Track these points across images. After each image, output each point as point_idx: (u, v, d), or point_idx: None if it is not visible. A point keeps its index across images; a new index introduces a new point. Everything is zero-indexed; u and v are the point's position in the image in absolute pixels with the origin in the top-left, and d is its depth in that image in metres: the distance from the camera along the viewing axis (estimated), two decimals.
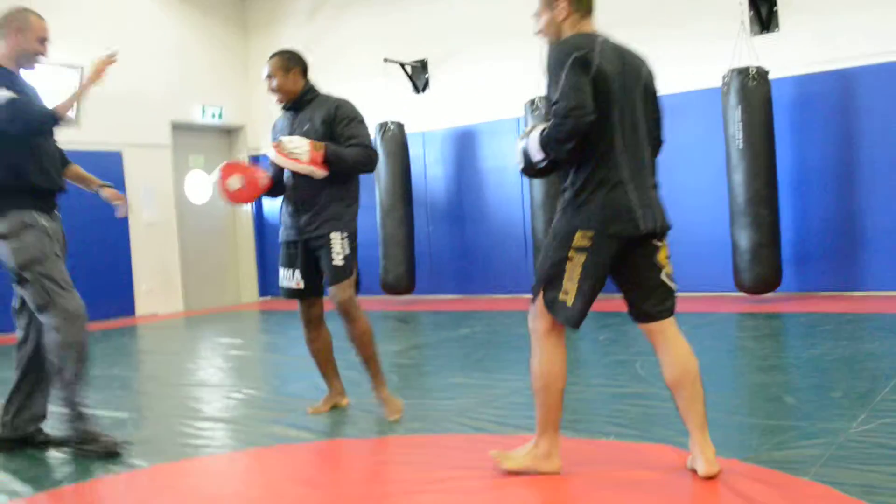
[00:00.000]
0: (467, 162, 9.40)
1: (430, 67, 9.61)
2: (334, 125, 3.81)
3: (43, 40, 3.52)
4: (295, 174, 3.82)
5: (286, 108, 3.96)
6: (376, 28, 9.94)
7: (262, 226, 11.09)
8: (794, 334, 5.79)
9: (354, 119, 3.84)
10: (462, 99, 9.35)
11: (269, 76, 3.89)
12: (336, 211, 3.80)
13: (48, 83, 8.98)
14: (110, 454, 3.38)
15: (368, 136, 3.86)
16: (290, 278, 3.94)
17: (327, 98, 3.92)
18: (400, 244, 8.95)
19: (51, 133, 3.56)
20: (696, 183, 7.86)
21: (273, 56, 3.94)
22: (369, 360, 3.87)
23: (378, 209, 9.02)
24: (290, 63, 3.89)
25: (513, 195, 8.99)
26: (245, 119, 10.88)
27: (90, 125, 9.15)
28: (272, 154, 3.75)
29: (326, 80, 9.55)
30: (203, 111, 10.46)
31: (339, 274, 3.77)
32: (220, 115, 10.71)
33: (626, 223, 2.65)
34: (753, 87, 6.90)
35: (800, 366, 4.53)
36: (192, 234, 10.43)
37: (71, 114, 3.55)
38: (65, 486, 3.10)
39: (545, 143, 2.65)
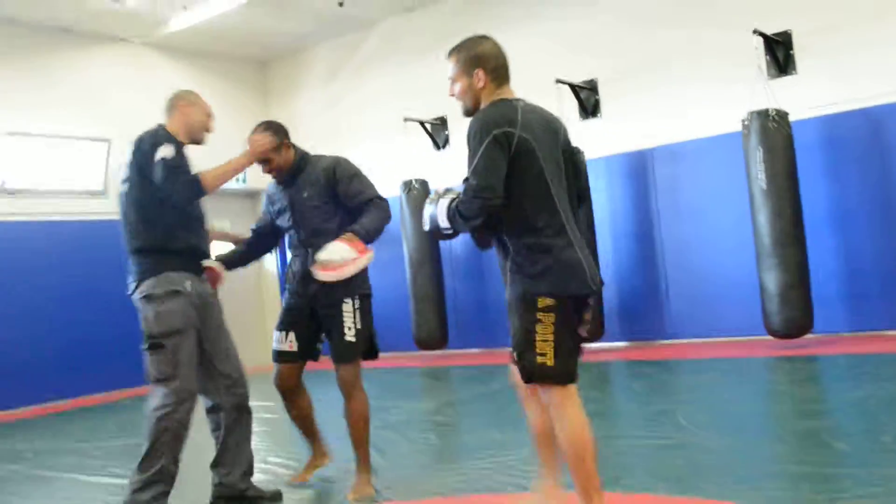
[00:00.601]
0: None
1: (449, 124, 9.71)
2: (336, 186, 3.71)
3: (209, 115, 3.70)
4: (291, 234, 3.79)
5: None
6: (394, 87, 10.09)
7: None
8: (832, 377, 5.69)
9: (356, 175, 3.77)
10: None
11: (262, 161, 3.76)
12: None
13: (76, 156, 9.20)
14: None
15: (373, 185, 3.79)
16: (283, 341, 3.82)
17: (319, 159, 3.82)
18: (430, 299, 8.96)
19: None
20: (720, 226, 7.83)
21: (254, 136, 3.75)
22: (359, 443, 3.69)
23: (408, 265, 9.05)
24: (277, 138, 3.76)
25: None
26: (268, 182, 10.99)
27: (116, 196, 9.29)
28: (322, 276, 3.51)
29: (347, 141, 9.76)
30: None
31: (350, 352, 3.65)
32: (244, 180, 10.83)
33: (581, 283, 2.68)
34: (774, 129, 6.90)
35: (844, 410, 4.44)
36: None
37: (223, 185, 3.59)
38: None
39: (452, 217, 2.70)
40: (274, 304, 11.21)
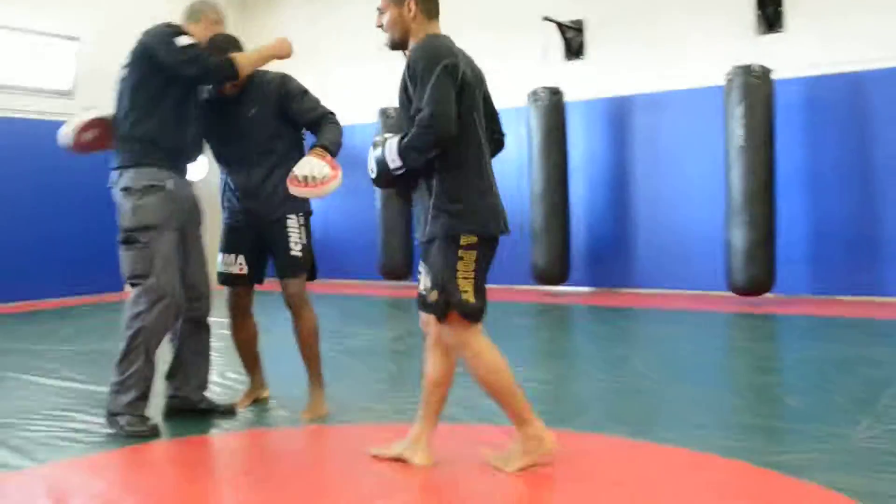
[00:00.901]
0: None
1: None
2: (289, 102, 3.58)
3: None
4: (231, 150, 3.60)
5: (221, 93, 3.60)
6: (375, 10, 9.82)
7: None
8: (790, 336, 5.77)
9: (306, 91, 3.65)
10: None
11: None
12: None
13: (42, 53, 8.86)
14: (133, 435, 3.28)
15: (321, 102, 3.68)
16: (232, 263, 3.70)
17: (264, 74, 3.64)
18: (398, 230, 8.90)
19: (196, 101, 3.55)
20: (695, 179, 7.84)
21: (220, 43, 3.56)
22: (311, 358, 3.68)
23: (377, 196, 8.94)
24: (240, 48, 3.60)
25: (509, 185, 8.91)
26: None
27: (84, 98, 9.00)
28: (301, 193, 3.39)
29: (327, 62, 9.53)
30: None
31: (297, 266, 3.60)
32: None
33: (499, 224, 2.75)
34: (756, 86, 6.87)
35: (799, 368, 4.51)
36: None
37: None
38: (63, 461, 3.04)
39: (404, 150, 2.65)
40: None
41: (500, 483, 2.68)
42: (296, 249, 3.60)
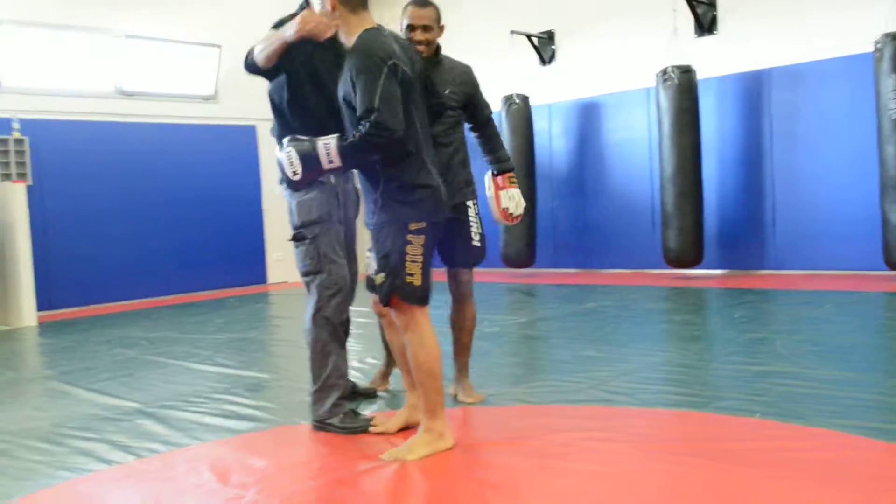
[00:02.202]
0: (593, 134, 9.22)
1: (556, 39, 9.45)
2: (472, 91, 3.56)
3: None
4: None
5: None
6: (502, 0, 9.84)
7: None
8: None
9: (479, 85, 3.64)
10: (589, 70, 9.16)
11: (426, 27, 3.43)
12: (467, 176, 3.54)
13: (189, 61, 9.41)
14: (352, 432, 3.26)
15: None
16: None
17: (452, 59, 3.59)
18: (522, 220, 8.89)
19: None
20: (842, 155, 7.44)
21: (422, 4, 3.45)
22: (467, 347, 3.71)
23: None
24: (437, 14, 3.46)
25: (640, 168, 8.77)
26: None
27: (227, 101, 9.52)
28: (502, 223, 3.71)
29: (451, 53, 9.61)
30: None
31: (478, 256, 3.59)
32: None
33: (445, 210, 2.91)
34: None
35: None
36: None
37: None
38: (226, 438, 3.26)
39: (348, 150, 2.71)
40: None
41: (642, 465, 2.67)
42: (476, 239, 3.58)
